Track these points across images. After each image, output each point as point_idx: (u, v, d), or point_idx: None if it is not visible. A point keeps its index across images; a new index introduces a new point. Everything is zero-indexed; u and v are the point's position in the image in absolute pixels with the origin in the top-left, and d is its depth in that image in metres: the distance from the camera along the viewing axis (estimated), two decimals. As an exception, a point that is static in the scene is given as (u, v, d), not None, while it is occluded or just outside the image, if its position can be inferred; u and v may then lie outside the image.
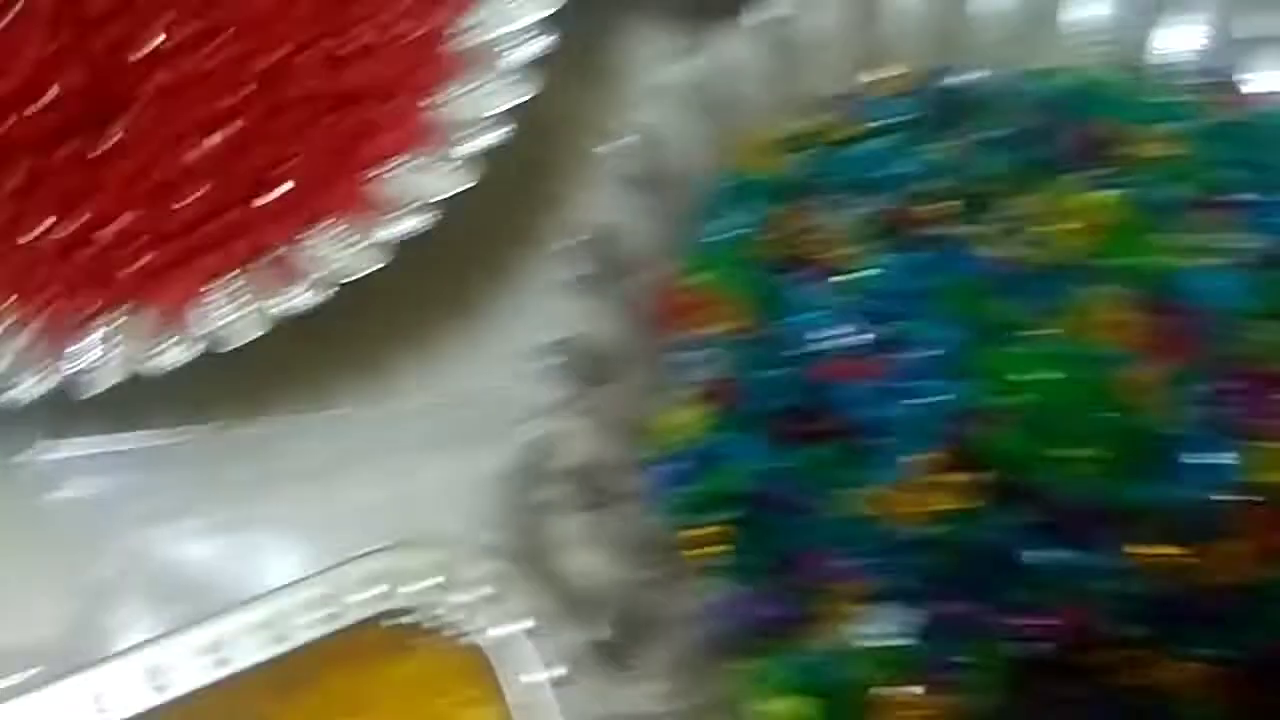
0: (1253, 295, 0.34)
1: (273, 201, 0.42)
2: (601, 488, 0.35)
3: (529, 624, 0.34)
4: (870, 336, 0.35)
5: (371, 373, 0.43)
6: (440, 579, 0.36)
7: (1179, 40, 0.43)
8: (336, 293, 0.39)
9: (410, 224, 0.40)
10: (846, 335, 0.35)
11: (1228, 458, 0.31)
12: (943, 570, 0.31)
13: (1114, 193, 0.37)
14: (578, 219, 0.38)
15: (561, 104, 0.46)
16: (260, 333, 0.39)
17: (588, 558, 0.33)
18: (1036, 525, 0.31)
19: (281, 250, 0.42)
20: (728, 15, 0.42)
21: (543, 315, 0.36)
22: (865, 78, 0.42)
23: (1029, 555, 0.31)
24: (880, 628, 0.31)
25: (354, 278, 0.39)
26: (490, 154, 0.40)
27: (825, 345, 0.35)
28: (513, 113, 0.41)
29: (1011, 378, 0.32)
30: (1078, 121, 0.40)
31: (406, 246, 0.40)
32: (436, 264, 0.43)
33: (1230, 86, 0.42)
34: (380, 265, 0.40)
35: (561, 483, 0.34)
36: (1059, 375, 0.32)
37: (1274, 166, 0.37)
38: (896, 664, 0.31)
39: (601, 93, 0.46)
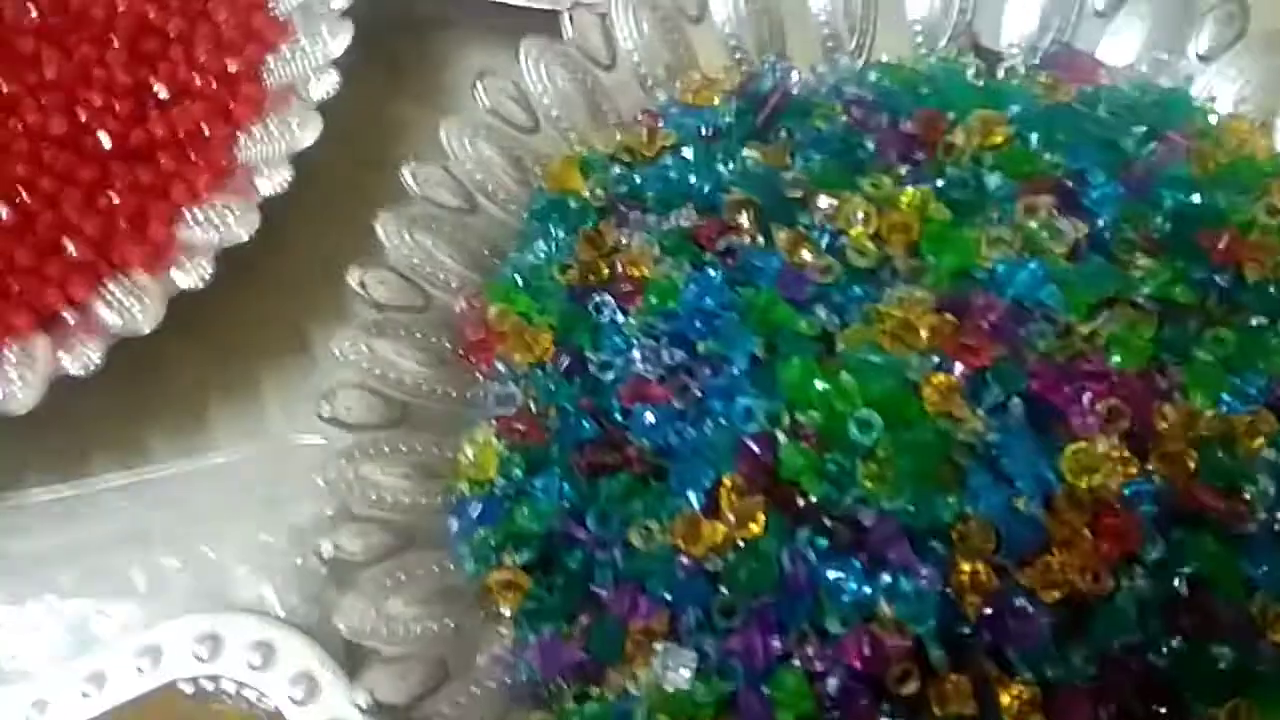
0: (1065, 287, 0.32)
1: (69, 260, 0.40)
2: (403, 533, 0.33)
3: (327, 692, 0.32)
4: (670, 360, 0.33)
5: (174, 429, 0.41)
6: (243, 646, 0.34)
7: (1015, 22, 0.42)
8: (135, 346, 0.37)
9: (206, 271, 0.38)
10: (646, 360, 0.34)
11: (1041, 464, 0.30)
12: (743, 601, 0.30)
13: (924, 189, 0.36)
14: (379, 253, 0.36)
15: (365, 134, 0.44)
16: (45, 396, 0.37)
17: (388, 608, 0.31)
18: (838, 547, 0.30)
19: (75, 308, 0.39)
20: (539, 35, 0.40)
21: (346, 355, 0.34)
22: (676, 88, 0.41)
23: (832, 578, 0.29)
24: (683, 667, 0.29)
25: (149, 329, 0.37)
26: (291, 192, 0.39)
27: (625, 372, 0.34)
28: (314, 148, 0.39)
29: (810, 393, 0.31)
30: (895, 117, 0.39)
31: (206, 294, 0.38)
32: (237, 310, 0.41)
33: (1069, 66, 0.41)
34: (170, 317, 0.37)
35: (359, 530, 0.32)
36: (860, 387, 0.31)
37: (1097, 149, 0.36)
38: (701, 706, 0.29)
39: (406, 120, 0.44)
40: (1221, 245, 0.32)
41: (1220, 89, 0.39)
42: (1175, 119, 0.38)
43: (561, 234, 0.38)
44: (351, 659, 0.34)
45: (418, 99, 0.46)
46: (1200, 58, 0.40)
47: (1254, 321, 0.32)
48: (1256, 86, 0.39)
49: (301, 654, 0.33)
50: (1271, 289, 0.32)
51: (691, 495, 0.31)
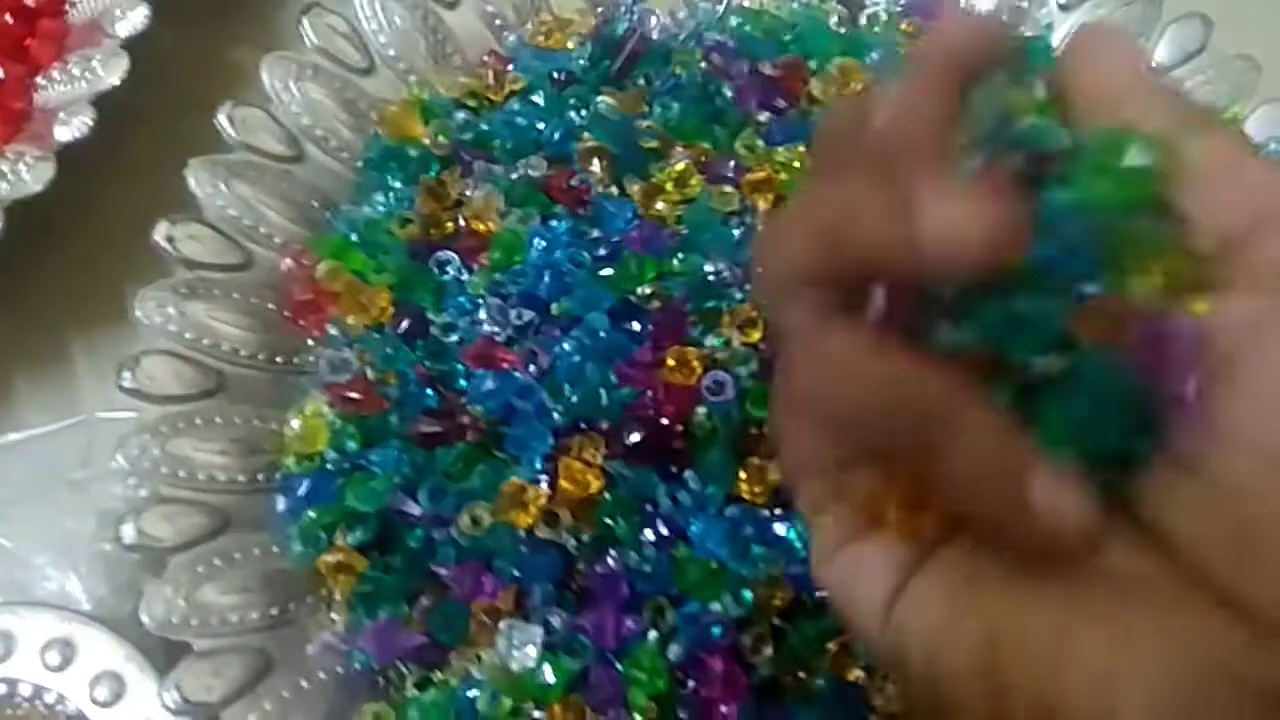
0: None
1: None
2: (218, 514, 0.30)
3: (135, 693, 0.29)
4: (519, 320, 0.31)
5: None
6: (38, 644, 0.30)
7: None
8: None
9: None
10: (493, 321, 0.31)
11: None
12: (589, 574, 0.28)
13: (794, 146, 0.34)
14: (187, 206, 0.33)
15: (189, 76, 0.40)
16: None
17: (201, 597, 0.28)
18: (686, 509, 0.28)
19: None
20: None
21: (151, 318, 0.31)
22: (527, 29, 0.38)
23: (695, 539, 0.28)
24: (529, 645, 0.27)
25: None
26: (103, 141, 0.35)
27: (471, 334, 0.31)
28: (129, 92, 0.35)
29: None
30: (756, 64, 0.37)
31: (4, 254, 0.34)
32: (44, 273, 0.37)
33: (931, 13, 0.40)
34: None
35: (166, 513, 0.29)
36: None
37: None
38: (548, 687, 0.27)
39: (236, 62, 0.41)
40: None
41: (1080, 38, 0.39)
42: (1035, 66, 0.37)
43: (400, 185, 0.35)
44: (172, 655, 0.31)
45: (249, 39, 0.42)
46: (1061, 6, 0.39)
47: None
48: (1115, 36, 0.38)
49: (106, 651, 0.30)
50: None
51: (529, 463, 0.29)
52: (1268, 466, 0.14)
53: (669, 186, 0.33)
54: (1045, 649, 0.15)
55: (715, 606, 0.28)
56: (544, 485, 0.28)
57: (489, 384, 0.29)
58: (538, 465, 0.28)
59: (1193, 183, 0.15)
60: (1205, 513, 0.15)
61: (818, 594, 0.28)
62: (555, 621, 0.27)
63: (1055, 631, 0.15)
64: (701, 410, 0.29)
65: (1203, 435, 0.15)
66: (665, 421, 0.29)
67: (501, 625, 0.28)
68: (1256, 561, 0.14)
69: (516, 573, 0.28)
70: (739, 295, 0.31)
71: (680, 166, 0.33)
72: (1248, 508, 0.14)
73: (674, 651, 0.27)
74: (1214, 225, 0.15)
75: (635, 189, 0.33)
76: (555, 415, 0.29)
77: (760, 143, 0.35)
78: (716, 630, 0.28)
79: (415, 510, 0.29)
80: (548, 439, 0.28)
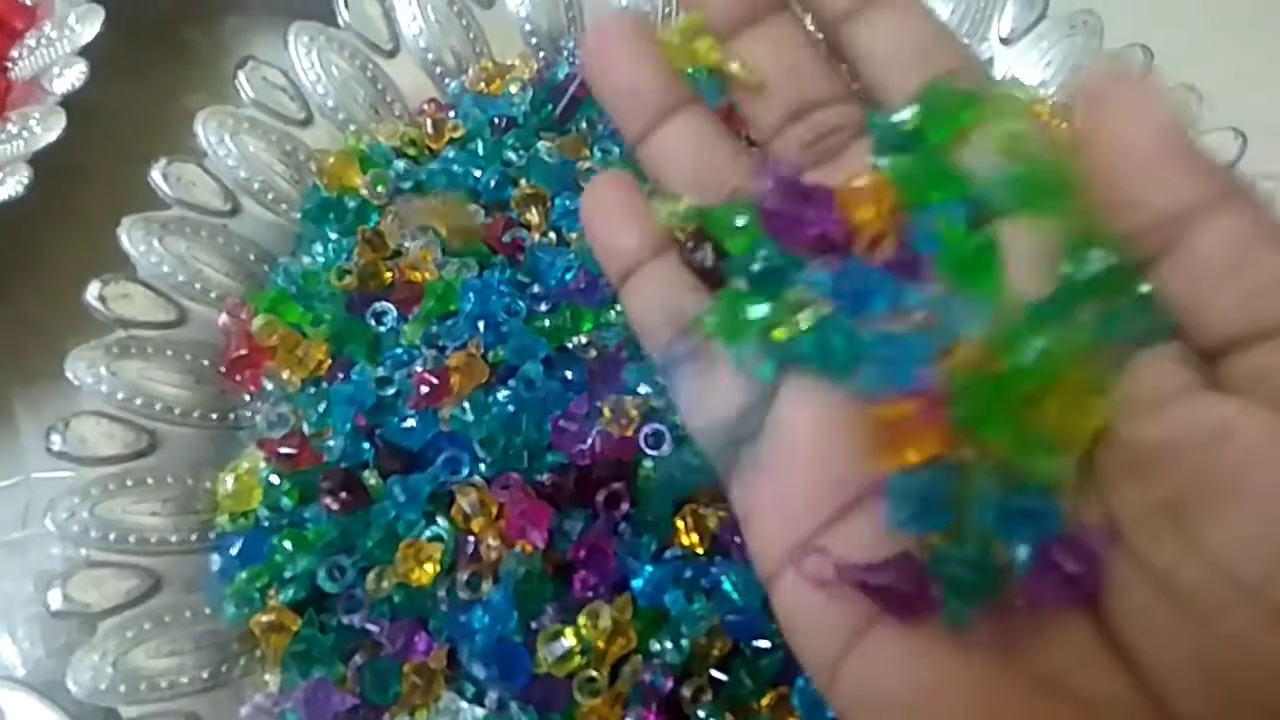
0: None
1: None
2: (149, 576, 0.29)
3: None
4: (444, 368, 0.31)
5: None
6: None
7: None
8: None
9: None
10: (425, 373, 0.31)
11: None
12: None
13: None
14: (128, 262, 0.32)
15: (140, 131, 0.40)
16: None
17: (129, 662, 0.28)
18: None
19: None
20: (317, 19, 0.37)
21: (82, 379, 0.30)
22: (468, 75, 0.38)
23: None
24: (458, 710, 0.27)
25: None
26: (51, 196, 0.35)
27: (405, 386, 0.31)
28: (75, 148, 0.35)
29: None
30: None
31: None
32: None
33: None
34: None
35: (94, 578, 0.28)
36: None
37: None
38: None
39: (156, 117, 0.40)
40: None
41: (1022, 71, 0.39)
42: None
43: (338, 235, 0.34)
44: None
45: (188, 93, 0.42)
46: (1002, 40, 0.39)
47: None
48: (1057, 68, 0.38)
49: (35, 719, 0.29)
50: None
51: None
52: (1241, 595, 0.14)
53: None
54: None
55: (654, 646, 0.27)
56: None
57: (410, 423, 0.29)
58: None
59: (1195, 277, 0.15)
60: (1175, 638, 0.14)
61: (755, 644, 0.28)
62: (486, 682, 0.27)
63: None
64: (648, 464, 0.29)
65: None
66: (598, 473, 0.29)
67: (441, 695, 0.27)
68: (1221, 693, 0.14)
69: (439, 631, 0.28)
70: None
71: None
72: (1217, 635, 0.14)
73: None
74: (1212, 326, 0.15)
75: (574, 235, 0.33)
76: (483, 465, 0.28)
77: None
78: (652, 679, 0.27)
79: (344, 566, 0.29)
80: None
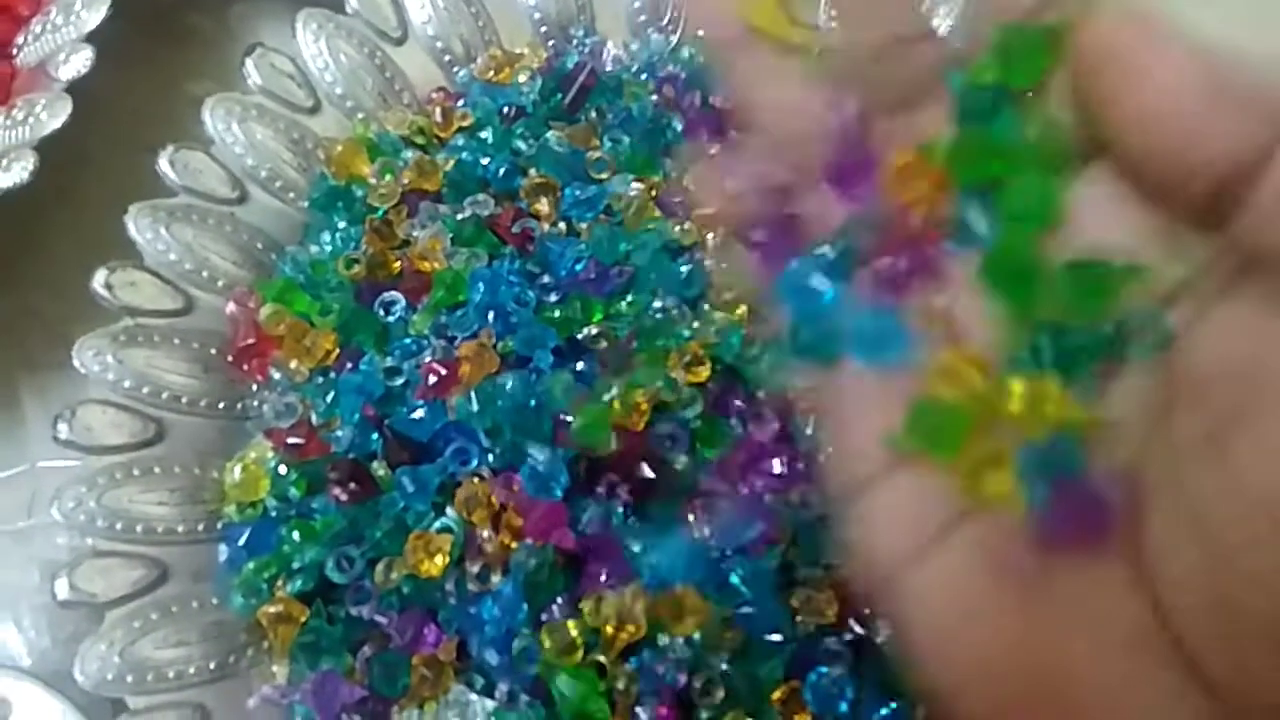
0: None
1: None
2: (156, 566, 0.29)
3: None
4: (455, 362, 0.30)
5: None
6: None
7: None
8: None
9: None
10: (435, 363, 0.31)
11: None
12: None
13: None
14: (134, 250, 0.32)
15: (147, 119, 0.40)
16: None
17: (137, 652, 0.28)
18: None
19: None
20: (325, 6, 0.36)
21: (89, 367, 0.30)
22: (477, 64, 0.38)
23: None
24: (468, 703, 0.27)
25: None
26: (58, 183, 0.34)
27: (414, 376, 0.31)
28: (82, 134, 0.35)
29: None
30: (708, 95, 0.37)
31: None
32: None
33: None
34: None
35: (101, 567, 0.28)
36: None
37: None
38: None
39: (164, 104, 0.40)
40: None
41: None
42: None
43: (347, 224, 0.34)
44: (117, 711, 0.30)
45: (195, 80, 0.41)
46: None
47: None
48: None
49: (43, 710, 0.29)
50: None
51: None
52: (1266, 526, 0.13)
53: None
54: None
55: (663, 640, 0.27)
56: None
57: (418, 413, 0.29)
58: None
59: None
60: (1193, 567, 0.14)
61: (767, 638, 0.27)
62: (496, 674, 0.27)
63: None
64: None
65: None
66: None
67: (450, 688, 0.27)
68: (1231, 629, 0.13)
69: (447, 622, 0.28)
70: (686, 333, 0.31)
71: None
72: (1237, 574, 0.13)
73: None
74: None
75: (584, 225, 0.33)
76: (490, 456, 0.28)
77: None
78: (664, 673, 0.27)
79: (352, 556, 0.28)
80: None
